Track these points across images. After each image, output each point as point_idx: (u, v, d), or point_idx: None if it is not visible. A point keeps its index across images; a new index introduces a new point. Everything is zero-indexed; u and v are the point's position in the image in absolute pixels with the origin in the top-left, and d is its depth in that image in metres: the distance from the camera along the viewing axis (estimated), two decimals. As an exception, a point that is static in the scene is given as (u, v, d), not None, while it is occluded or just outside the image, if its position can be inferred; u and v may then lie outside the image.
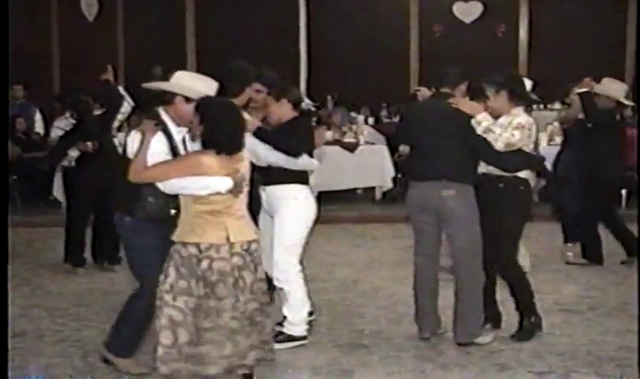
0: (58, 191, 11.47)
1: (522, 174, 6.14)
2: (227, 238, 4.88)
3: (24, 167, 13.17)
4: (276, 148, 5.93)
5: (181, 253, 4.91)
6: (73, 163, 8.76)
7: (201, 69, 16.19)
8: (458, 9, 15.90)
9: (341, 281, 8.12)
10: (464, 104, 5.98)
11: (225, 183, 4.85)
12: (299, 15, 14.17)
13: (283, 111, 6.12)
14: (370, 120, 14.91)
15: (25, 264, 9.36)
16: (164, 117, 5.21)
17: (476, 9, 15.82)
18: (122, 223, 5.32)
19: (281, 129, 6.07)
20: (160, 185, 5.01)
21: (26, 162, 13.29)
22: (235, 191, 4.89)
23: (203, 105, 4.99)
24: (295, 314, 6.05)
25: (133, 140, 5.15)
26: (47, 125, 14.78)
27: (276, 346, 5.59)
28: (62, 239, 8.98)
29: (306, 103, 6.28)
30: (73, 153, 8.69)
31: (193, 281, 4.88)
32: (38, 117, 14.65)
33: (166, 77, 5.44)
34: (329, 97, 15.28)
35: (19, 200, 13.05)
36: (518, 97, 6.13)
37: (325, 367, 5.69)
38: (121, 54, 16.83)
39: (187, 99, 5.13)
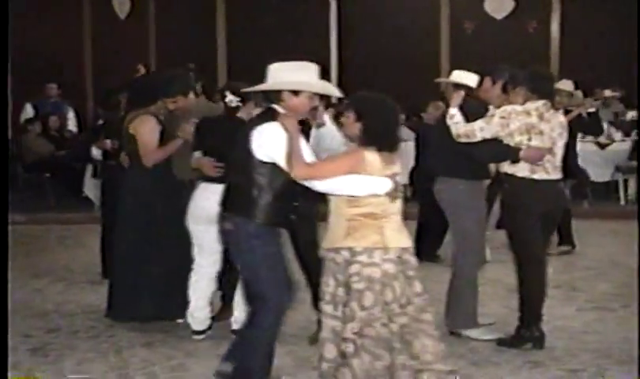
0: (88, 189, 11.45)
1: (509, 170, 5.96)
2: (382, 243, 4.57)
3: (57, 165, 13.30)
4: None
5: (335, 259, 4.64)
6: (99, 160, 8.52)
7: (231, 67, 16.42)
8: (490, 6, 15.81)
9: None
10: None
11: (384, 184, 4.58)
12: (329, 13, 14.19)
13: None
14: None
15: (59, 261, 9.45)
16: (280, 112, 4.76)
17: (508, 5, 15.72)
18: (244, 228, 4.77)
19: None
20: (316, 184, 4.61)
21: (59, 160, 13.41)
22: (392, 194, 4.60)
23: (359, 101, 4.76)
24: None
25: (272, 138, 4.66)
26: (80, 123, 14.96)
27: None
28: (96, 237, 8.51)
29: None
30: (96, 152, 8.53)
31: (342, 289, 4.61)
32: (71, 115, 14.81)
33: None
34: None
35: (52, 198, 13.18)
36: (536, 92, 5.96)
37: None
38: (152, 51, 16.94)
39: (295, 93, 4.76)
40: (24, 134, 13.96)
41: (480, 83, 6.29)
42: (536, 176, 5.85)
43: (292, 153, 4.57)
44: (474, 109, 6.10)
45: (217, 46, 16.73)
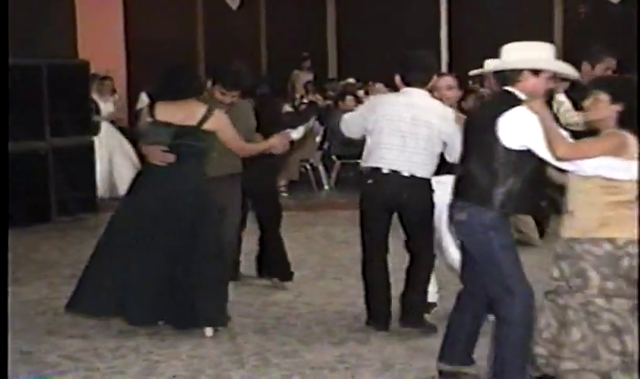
0: None
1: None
2: (634, 234, 4.40)
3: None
4: None
5: (593, 251, 4.41)
6: None
7: (341, 56, 16.46)
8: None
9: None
10: None
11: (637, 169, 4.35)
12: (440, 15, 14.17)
13: None
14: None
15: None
16: (521, 96, 4.55)
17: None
18: (479, 219, 4.57)
19: None
20: (577, 166, 4.39)
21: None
22: None
23: (615, 84, 4.60)
24: None
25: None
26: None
27: None
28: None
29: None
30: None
31: (621, 281, 4.41)
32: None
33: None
34: (470, 82, 15.11)
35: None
36: None
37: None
38: (263, 40, 17.12)
39: (535, 72, 4.54)
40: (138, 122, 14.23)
41: (579, 68, 6.08)
42: None
43: (550, 135, 4.36)
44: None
45: (327, 34, 16.80)
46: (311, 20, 16.82)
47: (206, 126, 5.95)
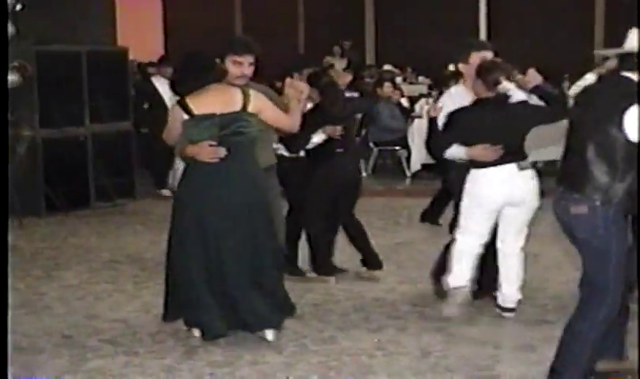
0: None
1: None
2: None
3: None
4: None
5: None
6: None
7: (378, 40, 16.43)
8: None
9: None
10: None
11: None
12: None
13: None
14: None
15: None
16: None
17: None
18: (604, 213, 4.30)
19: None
20: None
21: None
22: None
23: None
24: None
25: None
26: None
27: None
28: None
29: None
30: (317, 139, 7.06)
31: None
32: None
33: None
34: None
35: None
36: None
37: (509, 341, 5.68)
38: (301, 24, 17.13)
39: None
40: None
41: None
42: None
43: None
44: None
45: (365, 18, 16.76)
46: (349, 7, 16.78)
47: (250, 109, 5.52)
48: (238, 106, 5.48)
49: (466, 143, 5.84)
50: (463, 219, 6.01)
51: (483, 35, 13.64)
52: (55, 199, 10.36)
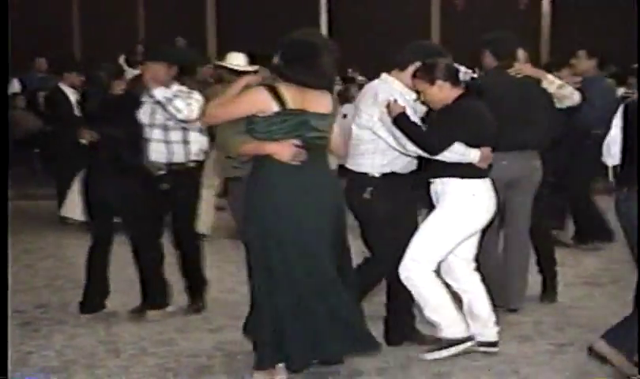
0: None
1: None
2: None
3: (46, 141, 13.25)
4: (413, 143, 5.06)
5: None
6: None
7: (221, 45, 16.39)
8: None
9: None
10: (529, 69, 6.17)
11: None
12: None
13: (444, 95, 5.14)
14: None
15: (48, 236, 9.46)
16: None
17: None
18: None
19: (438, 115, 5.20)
20: None
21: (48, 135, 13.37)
22: None
23: None
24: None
25: None
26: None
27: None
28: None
29: (464, 72, 5.18)
30: None
31: None
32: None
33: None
34: (349, 70, 15.30)
35: (41, 174, 13.16)
36: None
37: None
38: (141, 27, 16.90)
39: None
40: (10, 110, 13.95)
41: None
42: None
43: None
44: None
45: (206, 22, 16.71)
46: (190, 4, 16.70)
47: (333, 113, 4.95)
48: (329, 109, 4.85)
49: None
50: (435, 244, 5.20)
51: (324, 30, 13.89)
52: None
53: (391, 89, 5.27)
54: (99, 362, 5.35)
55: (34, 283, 7.42)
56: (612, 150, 5.22)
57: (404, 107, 5.06)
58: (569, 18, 15.20)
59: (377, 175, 5.23)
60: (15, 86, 14.55)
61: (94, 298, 6.33)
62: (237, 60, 6.53)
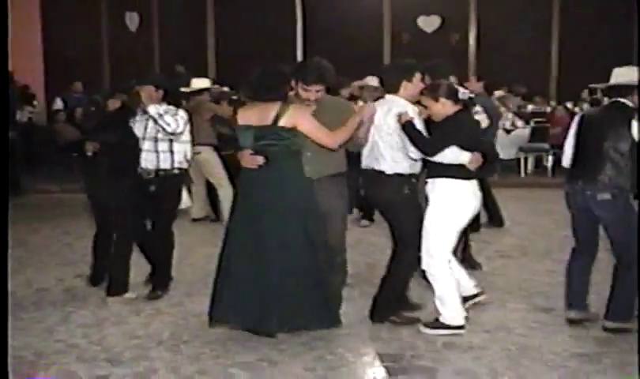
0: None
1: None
2: None
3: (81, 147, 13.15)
4: (415, 145, 4.90)
5: None
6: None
7: (218, 70, 16.33)
8: (421, 21, 15.88)
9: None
10: None
11: None
12: (296, 27, 14.31)
13: (446, 110, 4.95)
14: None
15: (84, 221, 9.39)
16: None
17: (435, 22, 15.81)
18: (624, 197, 4.80)
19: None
20: None
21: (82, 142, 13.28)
22: None
23: None
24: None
25: None
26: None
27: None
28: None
29: (462, 92, 5.05)
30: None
31: None
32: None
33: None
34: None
35: (78, 172, 13.06)
36: None
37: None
38: (157, 55, 16.84)
39: None
40: (54, 123, 13.99)
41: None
42: None
43: None
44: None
45: (207, 51, 16.63)
46: (194, 37, 16.62)
47: (281, 123, 4.78)
48: (270, 121, 4.80)
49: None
50: (440, 239, 4.94)
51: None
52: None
53: (405, 104, 5.04)
54: (125, 320, 5.34)
55: (72, 258, 7.37)
56: (567, 152, 5.11)
57: (412, 118, 4.94)
58: (491, 50, 15.26)
59: (407, 175, 5.06)
60: (58, 104, 14.57)
61: (101, 272, 6.10)
62: (196, 84, 6.52)
